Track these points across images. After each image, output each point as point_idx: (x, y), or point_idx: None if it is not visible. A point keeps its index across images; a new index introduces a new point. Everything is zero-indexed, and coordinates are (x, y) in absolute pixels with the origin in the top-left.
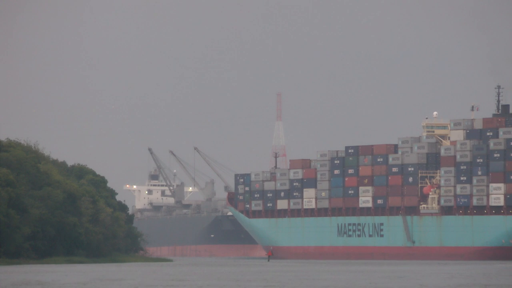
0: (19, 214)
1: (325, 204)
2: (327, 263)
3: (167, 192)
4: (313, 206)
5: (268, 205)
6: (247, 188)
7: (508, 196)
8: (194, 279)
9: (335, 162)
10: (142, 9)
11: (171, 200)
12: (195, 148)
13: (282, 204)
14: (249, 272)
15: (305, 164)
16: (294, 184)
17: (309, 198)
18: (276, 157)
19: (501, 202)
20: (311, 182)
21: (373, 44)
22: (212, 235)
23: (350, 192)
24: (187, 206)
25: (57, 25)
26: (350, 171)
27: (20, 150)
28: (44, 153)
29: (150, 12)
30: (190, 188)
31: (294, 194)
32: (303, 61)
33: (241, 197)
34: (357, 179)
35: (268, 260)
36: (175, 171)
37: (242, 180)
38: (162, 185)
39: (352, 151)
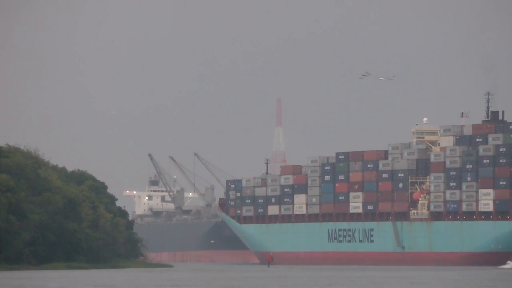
0: (19, 220)
1: (315, 210)
2: (339, 268)
3: (167, 198)
4: (304, 211)
5: (259, 210)
6: (238, 194)
7: (497, 202)
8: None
9: (326, 168)
10: (142, 14)
11: (171, 206)
12: (195, 154)
13: (273, 209)
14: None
15: (296, 170)
16: (285, 190)
17: (300, 204)
18: (267, 163)
19: (490, 207)
20: (302, 188)
21: (366, 50)
22: (212, 241)
23: (340, 198)
24: (187, 211)
25: (57, 30)
26: (341, 177)
27: (20, 156)
28: (44, 158)
29: (149, 18)
30: (190, 193)
31: (285, 200)
32: (303, 66)
33: (232, 203)
34: (348, 185)
35: (268, 266)
36: (175, 176)
37: (233, 186)
38: (162, 191)
39: (343, 157)
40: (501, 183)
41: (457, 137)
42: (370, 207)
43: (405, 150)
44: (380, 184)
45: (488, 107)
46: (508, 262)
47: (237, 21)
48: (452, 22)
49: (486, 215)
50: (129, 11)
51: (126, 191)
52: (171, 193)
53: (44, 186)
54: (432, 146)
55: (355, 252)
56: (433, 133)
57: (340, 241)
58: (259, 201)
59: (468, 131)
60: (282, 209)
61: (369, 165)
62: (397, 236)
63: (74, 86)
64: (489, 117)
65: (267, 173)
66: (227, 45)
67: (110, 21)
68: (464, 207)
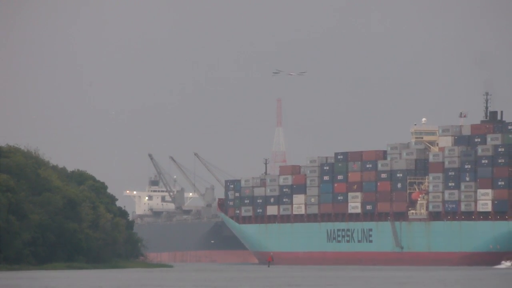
0: (19, 220)
1: (314, 210)
2: (338, 268)
3: (167, 198)
4: (303, 212)
5: (258, 211)
6: (237, 194)
7: (496, 202)
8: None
9: (325, 168)
10: (142, 14)
11: (171, 206)
12: (195, 154)
13: (271, 210)
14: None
15: (295, 170)
16: (284, 190)
17: (299, 204)
18: (266, 163)
19: (488, 207)
20: (301, 188)
21: (364, 52)
22: (212, 241)
23: (339, 198)
24: (187, 211)
25: (56, 30)
26: (340, 177)
27: (20, 156)
28: (44, 158)
29: (149, 18)
30: (190, 193)
31: (284, 200)
32: (303, 67)
33: (231, 203)
34: (346, 185)
35: (268, 266)
36: (175, 177)
37: (232, 186)
38: (162, 191)
39: (342, 157)
40: (499, 183)
41: (456, 137)
42: (368, 207)
43: (404, 150)
44: (378, 184)
45: (486, 107)
46: (503, 262)
47: (238, 22)
48: (451, 22)
49: (485, 215)
50: (129, 11)
51: (126, 191)
52: (171, 193)
53: (44, 186)
54: (431, 146)
55: (353, 252)
56: (432, 133)
57: (339, 241)
58: (258, 201)
59: (466, 131)
60: (281, 209)
61: (367, 165)
62: (395, 236)
63: (74, 86)
64: (488, 117)
65: (266, 173)
66: (227, 45)
67: (110, 21)
68: (462, 207)
